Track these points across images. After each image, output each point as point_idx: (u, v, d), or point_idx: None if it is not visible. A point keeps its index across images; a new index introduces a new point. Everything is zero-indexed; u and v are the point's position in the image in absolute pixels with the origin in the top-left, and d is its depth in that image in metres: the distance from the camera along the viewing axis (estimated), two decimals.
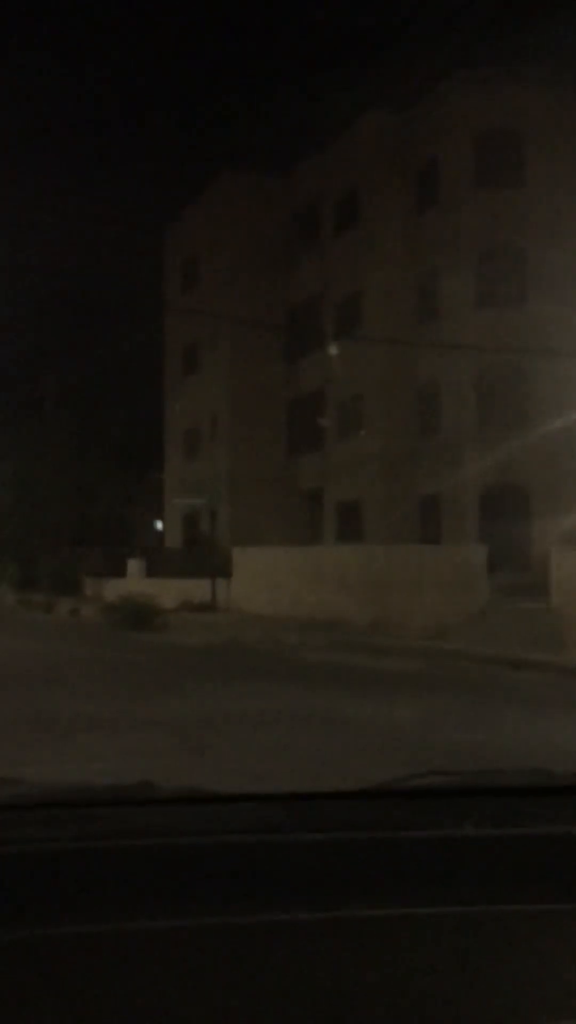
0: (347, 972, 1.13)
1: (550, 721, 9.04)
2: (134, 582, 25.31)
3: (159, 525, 38.87)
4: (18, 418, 30.87)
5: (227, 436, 32.65)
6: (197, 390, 34.97)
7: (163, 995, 1.09)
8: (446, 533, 24.43)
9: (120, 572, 27.48)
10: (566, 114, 24.35)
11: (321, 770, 5.93)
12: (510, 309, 24.01)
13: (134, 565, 26.81)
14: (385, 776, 1.73)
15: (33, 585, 29.57)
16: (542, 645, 14.76)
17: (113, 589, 25.58)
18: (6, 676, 11.44)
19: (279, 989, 1.11)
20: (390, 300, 26.63)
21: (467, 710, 9.78)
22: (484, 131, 24.61)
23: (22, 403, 31.35)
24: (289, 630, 18.02)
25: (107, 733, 7.33)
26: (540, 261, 23.85)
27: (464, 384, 24.44)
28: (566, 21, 19.99)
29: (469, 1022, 1.07)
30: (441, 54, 28.77)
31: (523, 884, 1.33)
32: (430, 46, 36.55)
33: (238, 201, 32.58)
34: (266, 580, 21.18)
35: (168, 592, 22.71)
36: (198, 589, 22.73)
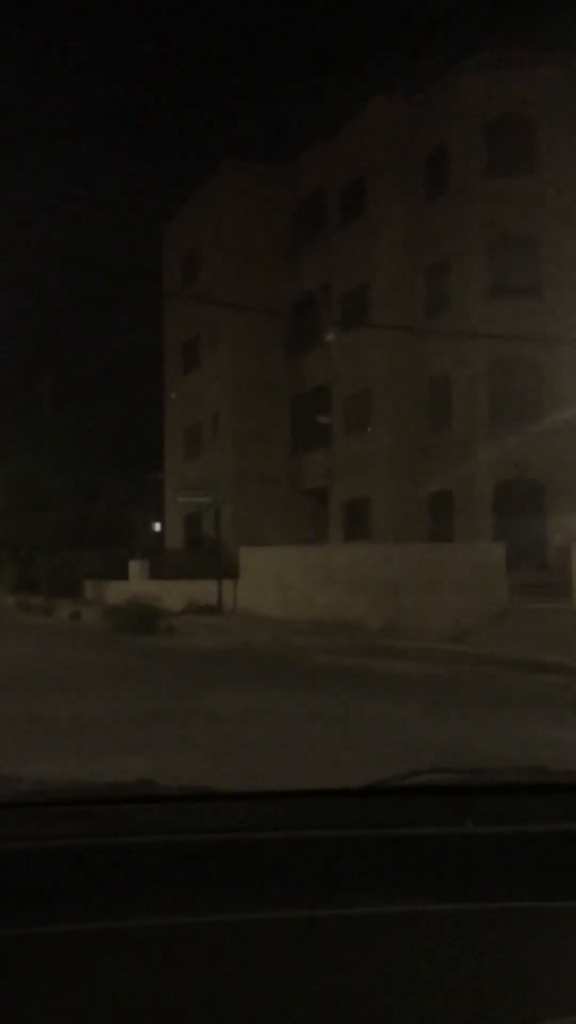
0: (348, 969, 1.15)
1: None
2: (137, 584, 24.73)
3: (157, 526, 38.34)
4: (16, 417, 30.30)
5: (229, 434, 32.13)
6: (198, 387, 34.44)
7: (164, 993, 1.10)
8: (458, 531, 23.92)
9: (121, 574, 26.94)
10: None
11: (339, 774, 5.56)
12: (523, 299, 23.48)
13: (136, 566, 26.23)
14: (387, 773, 1.73)
15: (31, 587, 29.02)
16: (568, 648, 14.25)
17: (115, 591, 25.03)
18: (6, 686, 10.85)
19: (280, 986, 1.12)
20: (398, 292, 26.08)
21: (498, 720, 9.23)
22: (495, 117, 24.09)
23: (20, 402, 30.79)
24: (300, 633, 17.53)
25: (128, 751, 6.79)
26: (554, 250, 23.33)
27: (476, 377, 23.90)
28: None
29: (470, 1019, 1.09)
30: (451, 38, 28.20)
31: (523, 881, 1.34)
32: (439, 30, 35.97)
33: (239, 192, 32.03)
34: (275, 581, 20.62)
35: (172, 594, 22.15)
36: (203, 591, 22.16)
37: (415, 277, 26.16)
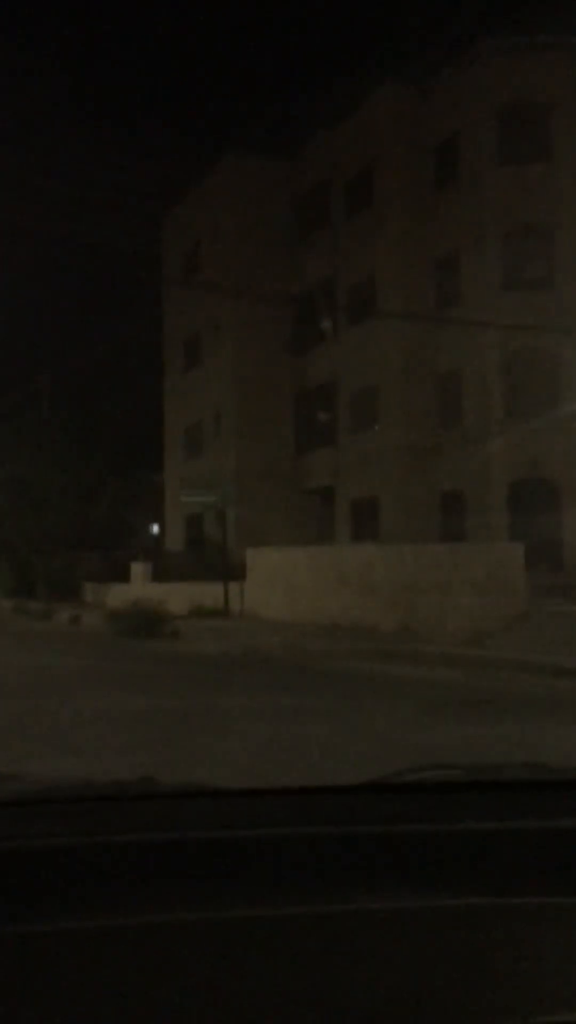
0: (349, 966, 1.16)
1: None
2: (139, 587, 24.24)
3: (155, 528, 37.81)
4: (13, 416, 29.76)
5: (232, 432, 31.63)
6: (199, 384, 33.94)
7: (165, 991, 1.10)
8: (470, 531, 23.41)
9: (121, 576, 26.51)
10: None
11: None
12: (537, 291, 22.95)
13: (138, 569, 25.74)
14: (386, 771, 1.76)
15: (29, 591, 28.51)
16: None
17: (116, 595, 24.55)
18: (6, 695, 10.29)
19: (281, 983, 1.13)
20: (406, 284, 25.57)
21: (531, 729, 8.71)
22: (508, 103, 23.55)
23: (17, 401, 30.25)
24: (311, 637, 17.07)
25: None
26: (569, 240, 22.84)
27: (489, 371, 23.37)
28: None
29: (471, 1015, 1.10)
30: (460, 23, 27.59)
31: (523, 878, 1.35)
32: (447, 15, 35.34)
33: (241, 184, 31.54)
34: (283, 583, 20.10)
35: (176, 597, 21.65)
36: (208, 594, 21.67)
37: (424, 269, 25.64)
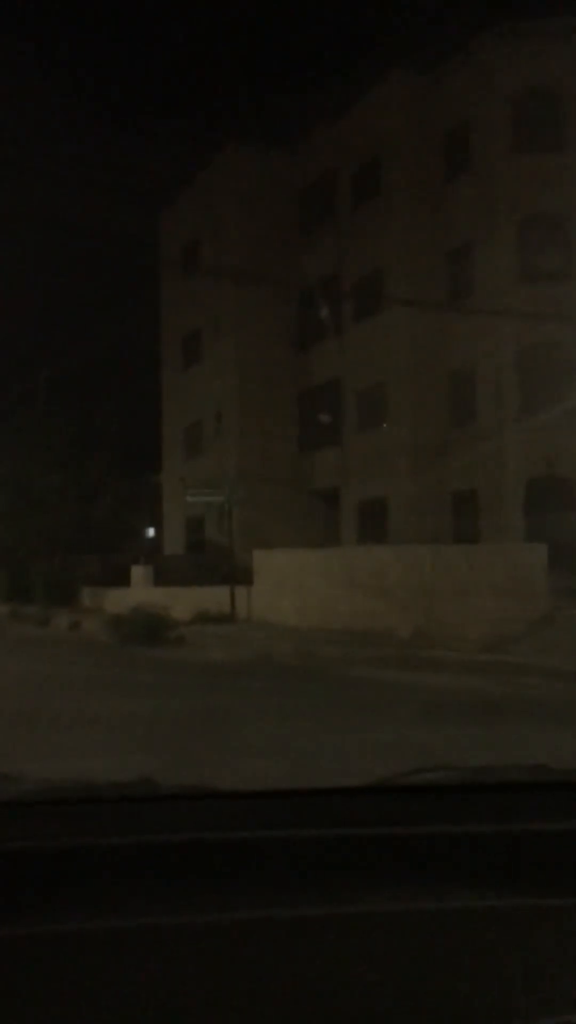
0: (350, 968, 1.17)
1: None
2: (140, 591, 23.65)
3: (151, 532, 37.17)
4: (8, 415, 29.14)
5: (233, 431, 31.06)
6: (199, 382, 33.35)
7: (165, 992, 1.12)
8: (484, 532, 22.85)
9: (120, 581, 25.91)
10: None
11: None
12: (554, 283, 22.38)
13: (139, 573, 25.13)
14: (388, 772, 1.76)
15: (24, 595, 27.85)
16: None
17: (115, 599, 23.96)
18: (9, 711, 9.65)
19: (282, 985, 1.14)
20: (416, 277, 24.98)
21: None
22: (521, 90, 22.99)
23: (13, 399, 29.64)
24: (324, 643, 16.51)
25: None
26: None
27: (503, 366, 22.80)
28: None
29: (472, 1016, 1.11)
30: (472, 6, 26.91)
31: (526, 879, 1.37)
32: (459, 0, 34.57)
33: (243, 176, 31.00)
34: (293, 587, 19.52)
35: (179, 602, 21.05)
36: (212, 598, 21.08)
37: (434, 262, 25.07)
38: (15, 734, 8.26)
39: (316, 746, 7.62)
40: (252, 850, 1.40)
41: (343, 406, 28.49)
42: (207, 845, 1.41)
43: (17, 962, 1.16)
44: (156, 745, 7.50)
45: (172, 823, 1.51)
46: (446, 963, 1.18)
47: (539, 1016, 1.09)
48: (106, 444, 28.37)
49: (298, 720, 9.24)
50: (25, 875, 1.32)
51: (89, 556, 29.03)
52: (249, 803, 1.67)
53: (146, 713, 9.33)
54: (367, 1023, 1.09)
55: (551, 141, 22.90)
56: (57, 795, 1.69)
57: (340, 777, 6.54)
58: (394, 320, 25.85)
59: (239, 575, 20.89)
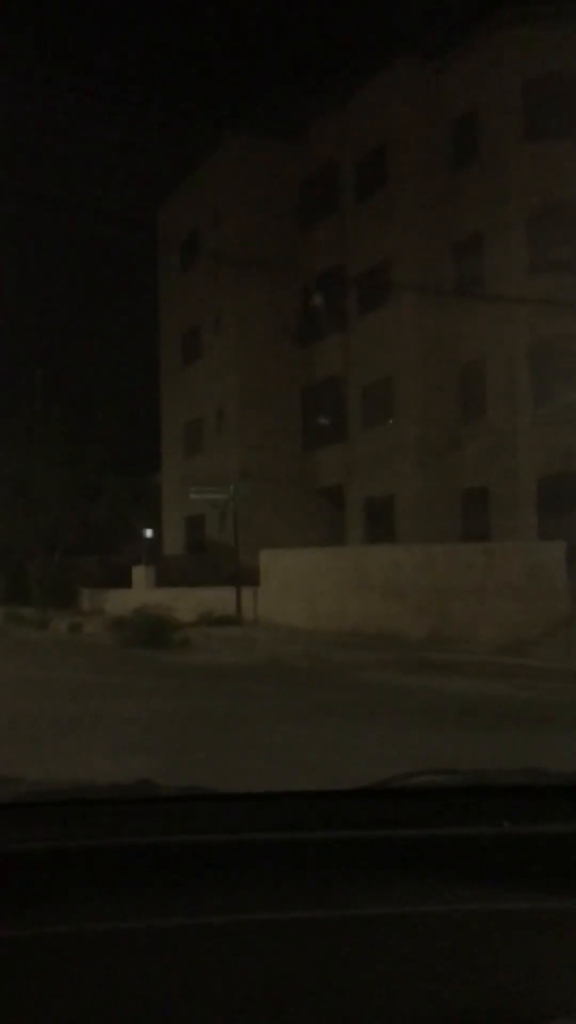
0: (347, 971, 1.18)
1: None
2: (142, 593, 23.24)
3: (148, 532, 36.71)
4: (6, 412, 28.67)
5: (235, 429, 30.58)
6: (199, 378, 32.87)
7: (163, 995, 1.13)
8: (496, 531, 22.41)
9: (120, 582, 25.50)
10: None
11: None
12: (567, 273, 21.93)
13: (141, 573, 24.69)
14: (384, 775, 1.75)
15: (21, 598, 27.40)
16: None
17: (116, 601, 23.56)
18: (11, 722, 9.19)
19: (279, 988, 1.15)
20: (423, 269, 24.53)
21: None
22: (534, 76, 22.53)
23: (11, 396, 29.17)
24: (334, 646, 16.13)
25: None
26: None
27: (515, 359, 22.35)
28: None
29: (469, 1020, 1.12)
30: None
31: (520, 883, 1.37)
32: None
33: (244, 167, 30.50)
34: (301, 587, 19.09)
35: (183, 603, 20.65)
36: (217, 600, 20.67)
37: (442, 253, 24.62)
38: (15, 736, 7.95)
39: (334, 754, 7.22)
40: (251, 852, 1.41)
41: (348, 402, 28.03)
42: (206, 847, 1.42)
43: (17, 963, 1.17)
44: (168, 754, 7.11)
45: (170, 825, 1.51)
46: (445, 966, 1.19)
47: (538, 1020, 1.10)
48: (105, 442, 27.94)
49: (313, 727, 8.86)
50: (24, 877, 1.33)
51: (87, 557, 28.62)
52: (246, 805, 1.67)
53: (159, 724, 8.95)
54: None
55: (563, 127, 22.44)
56: (56, 797, 1.70)
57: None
58: (401, 313, 25.41)
59: (245, 575, 20.49)
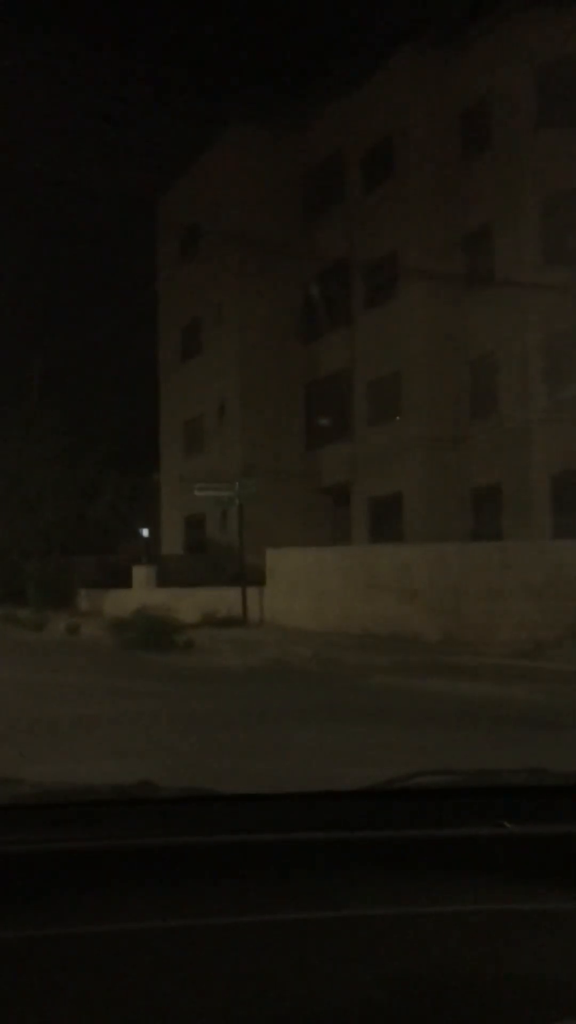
0: (348, 970, 1.18)
1: None
2: (142, 593, 22.81)
3: (145, 532, 36.29)
4: (2, 408, 28.19)
5: (237, 426, 30.16)
6: (199, 374, 32.43)
7: (163, 995, 1.14)
8: (508, 529, 22.02)
9: (118, 582, 25.07)
10: None
11: None
12: None
13: (141, 573, 24.27)
14: (386, 776, 1.75)
15: (18, 598, 26.94)
16: None
17: (115, 601, 23.13)
18: (11, 722, 8.74)
19: (280, 987, 1.16)
20: (432, 261, 24.09)
21: None
22: (548, 61, 22.09)
23: (6, 392, 28.70)
24: (345, 648, 15.75)
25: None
26: None
27: (529, 353, 21.93)
28: None
29: (470, 1020, 1.12)
30: None
31: (522, 883, 1.38)
32: None
33: (246, 158, 30.09)
34: (309, 588, 18.67)
35: (185, 604, 20.22)
36: (221, 600, 20.27)
37: (452, 244, 24.19)
38: (15, 736, 7.59)
39: (353, 760, 6.80)
40: (251, 853, 1.42)
41: (353, 398, 27.61)
42: (205, 848, 1.42)
43: (17, 965, 1.16)
44: (174, 758, 6.71)
45: (169, 826, 1.51)
46: (445, 966, 1.19)
47: (538, 1020, 1.09)
48: (103, 438, 27.50)
49: (328, 734, 8.42)
50: (25, 878, 1.32)
51: (85, 556, 28.17)
52: (245, 806, 1.67)
53: (161, 726, 8.66)
54: None
55: None
56: (56, 798, 1.69)
57: None
58: (409, 306, 24.99)
59: (250, 576, 20.10)
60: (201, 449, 32.12)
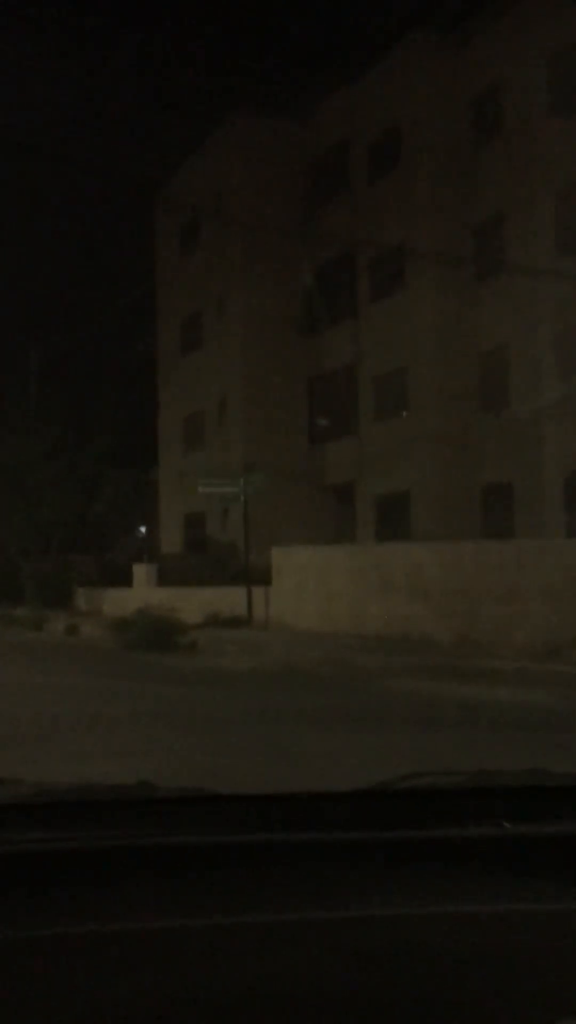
0: (346, 972, 1.19)
1: None
2: (143, 592, 22.42)
3: (143, 530, 35.94)
4: None
5: (238, 422, 29.77)
6: (200, 369, 32.01)
7: (162, 995, 1.15)
8: (519, 528, 21.64)
9: (117, 581, 24.71)
10: None
11: None
12: None
13: (142, 572, 23.88)
14: (385, 776, 1.76)
15: (15, 597, 26.55)
16: None
17: (115, 601, 22.76)
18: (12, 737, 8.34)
19: (278, 989, 1.16)
20: (440, 252, 23.68)
21: None
22: (561, 47, 21.68)
23: (3, 386, 28.28)
24: (355, 650, 15.37)
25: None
26: None
27: (541, 347, 21.53)
28: None
29: (470, 1021, 1.13)
30: None
31: (522, 883, 1.38)
32: None
33: (249, 147, 29.69)
34: (317, 588, 18.28)
35: (187, 604, 19.81)
36: (223, 600, 19.90)
37: (462, 235, 23.78)
38: (15, 737, 7.33)
39: (369, 766, 6.39)
40: (249, 854, 1.42)
41: (359, 393, 27.20)
42: (204, 848, 1.43)
43: (17, 964, 1.17)
44: (183, 762, 6.34)
45: (169, 826, 1.52)
46: (445, 968, 1.19)
47: (539, 1020, 1.10)
48: (106, 431, 27.11)
49: (339, 739, 8.05)
50: (23, 878, 1.33)
51: (83, 555, 27.79)
52: (245, 807, 1.67)
53: (164, 727, 8.26)
54: None
55: None
56: (56, 798, 1.69)
57: None
58: (416, 299, 24.60)
59: (254, 575, 19.73)
60: (201, 446, 31.76)
